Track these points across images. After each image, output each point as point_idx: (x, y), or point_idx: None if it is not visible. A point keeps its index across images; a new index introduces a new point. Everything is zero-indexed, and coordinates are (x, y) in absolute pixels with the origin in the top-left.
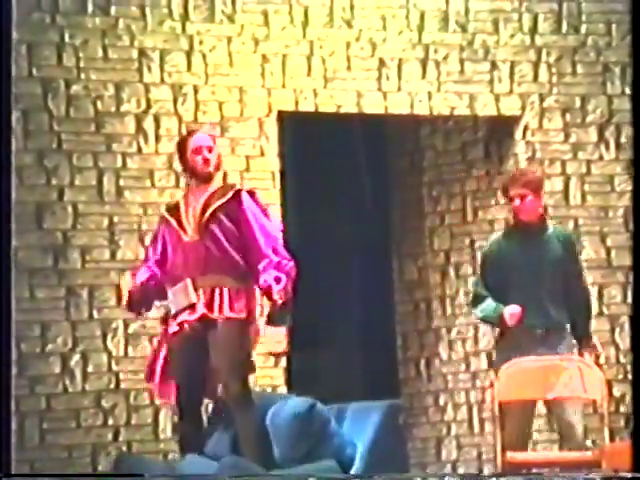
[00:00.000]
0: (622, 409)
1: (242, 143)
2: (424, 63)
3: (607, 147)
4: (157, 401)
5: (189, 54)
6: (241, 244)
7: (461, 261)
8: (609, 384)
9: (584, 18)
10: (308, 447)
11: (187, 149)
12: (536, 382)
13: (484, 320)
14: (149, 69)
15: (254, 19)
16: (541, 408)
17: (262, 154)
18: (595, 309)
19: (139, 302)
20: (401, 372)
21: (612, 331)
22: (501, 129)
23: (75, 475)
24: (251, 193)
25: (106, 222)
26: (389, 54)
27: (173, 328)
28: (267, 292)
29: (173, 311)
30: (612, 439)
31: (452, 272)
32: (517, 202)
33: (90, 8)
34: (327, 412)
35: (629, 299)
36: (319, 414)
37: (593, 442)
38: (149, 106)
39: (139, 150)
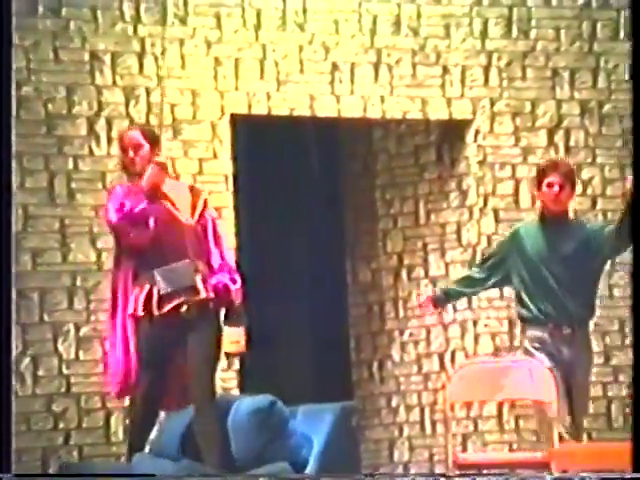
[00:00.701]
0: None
1: (195, 146)
2: (377, 67)
3: (556, 151)
4: (108, 404)
5: (141, 56)
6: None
7: (414, 264)
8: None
9: (534, 23)
10: (266, 440)
11: (120, 145)
12: (486, 384)
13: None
14: (101, 71)
15: (206, 22)
16: (492, 410)
17: (215, 157)
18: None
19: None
20: (354, 374)
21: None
22: (453, 133)
23: (85, 475)
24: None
25: (57, 225)
26: (342, 58)
27: (163, 310)
28: (223, 291)
29: (168, 290)
30: (561, 440)
31: (405, 275)
32: (556, 189)
33: (41, 10)
34: (287, 411)
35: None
36: (279, 411)
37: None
38: (101, 108)
39: (91, 152)
